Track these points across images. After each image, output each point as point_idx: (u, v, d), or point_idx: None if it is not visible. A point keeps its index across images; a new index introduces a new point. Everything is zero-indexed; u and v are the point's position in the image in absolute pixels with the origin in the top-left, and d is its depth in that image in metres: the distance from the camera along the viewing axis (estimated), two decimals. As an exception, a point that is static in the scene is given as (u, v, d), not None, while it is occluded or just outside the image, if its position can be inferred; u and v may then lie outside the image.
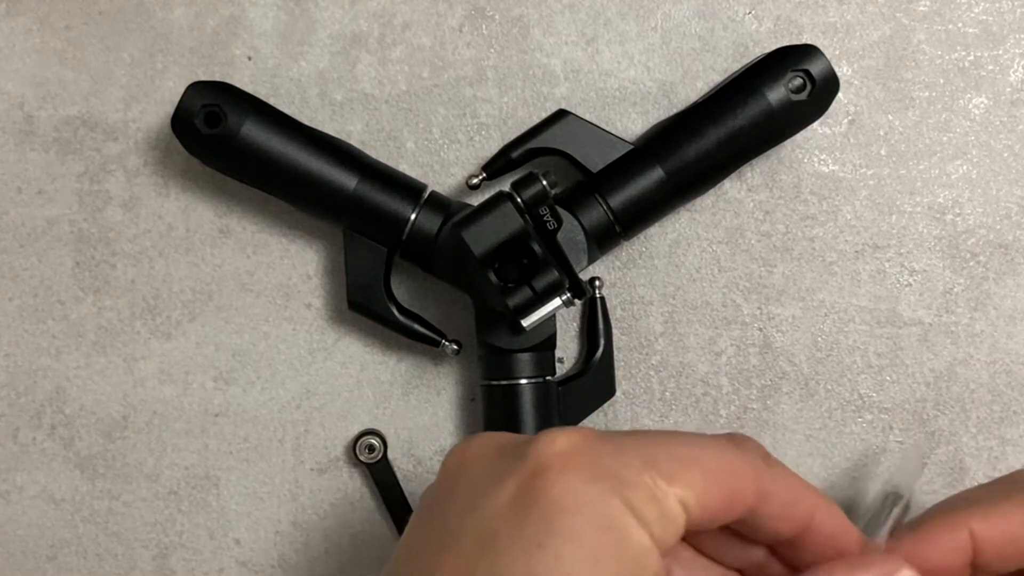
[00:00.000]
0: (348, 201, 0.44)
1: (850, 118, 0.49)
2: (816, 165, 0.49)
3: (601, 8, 0.49)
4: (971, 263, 0.49)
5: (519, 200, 0.41)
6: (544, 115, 0.47)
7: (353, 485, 0.50)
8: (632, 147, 0.45)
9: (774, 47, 0.45)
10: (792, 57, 0.44)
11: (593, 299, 0.48)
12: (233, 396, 0.49)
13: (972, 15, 0.49)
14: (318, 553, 0.50)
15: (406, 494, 0.49)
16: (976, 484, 0.37)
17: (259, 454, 0.49)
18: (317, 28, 0.49)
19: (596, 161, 0.45)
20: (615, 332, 0.49)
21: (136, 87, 0.49)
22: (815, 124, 0.46)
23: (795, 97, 0.44)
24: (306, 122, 0.45)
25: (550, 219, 0.41)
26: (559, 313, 0.42)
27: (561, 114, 0.46)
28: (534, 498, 0.26)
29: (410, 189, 0.45)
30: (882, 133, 0.49)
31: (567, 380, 0.47)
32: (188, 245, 0.49)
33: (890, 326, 0.49)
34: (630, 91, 0.49)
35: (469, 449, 0.30)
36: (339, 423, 0.49)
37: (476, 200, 0.44)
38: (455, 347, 0.47)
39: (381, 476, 0.49)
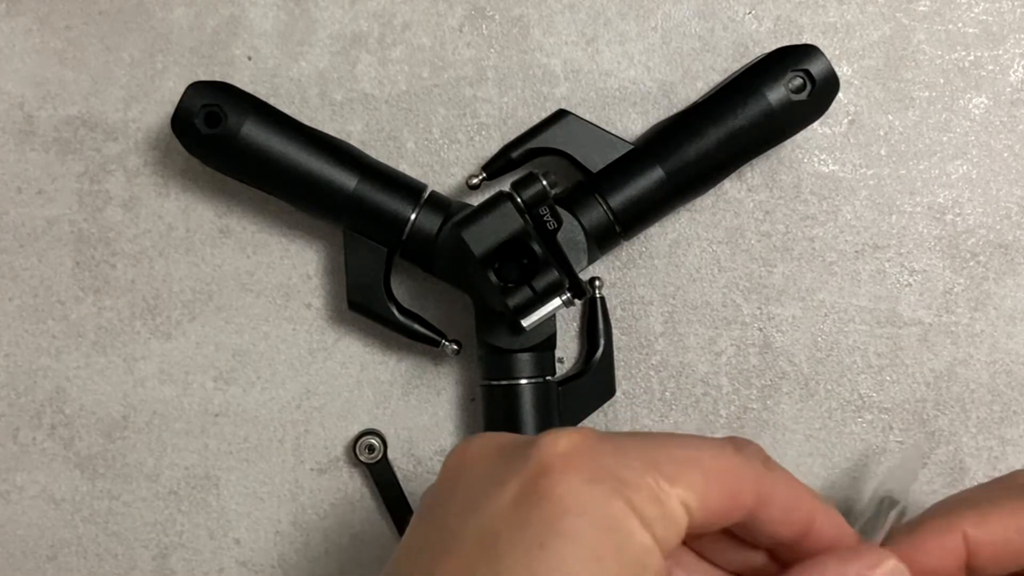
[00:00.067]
0: (348, 201, 0.44)
1: (850, 118, 0.49)
2: (816, 165, 0.49)
3: (601, 8, 0.49)
4: (971, 263, 0.49)
5: (519, 200, 0.41)
6: (544, 115, 0.47)
7: (353, 485, 0.50)
8: (632, 147, 0.45)
9: (774, 47, 0.45)
10: (792, 57, 0.44)
11: (593, 299, 0.48)
12: (233, 396, 0.49)
13: (972, 15, 0.49)
14: (318, 553, 0.50)
15: (406, 494, 0.49)
16: (976, 484, 0.37)
17: (259, 454, 0.49)
18: (317, 28, 0.49)
19: (596, 161, 0.45)
20: (615, 332, 0.49)
21: (136, 87, 0.49)
22: (815, 124, 0.46)
23: (795, 97, 0.44)
24: (306, 122, 0.45)
25: (550, 219, 0.41)
26: (559, 313, 0.42)
27: (561, 114, 0.46)
28: (536, 499, 0.26)
29: (410, 189, 0.45)
30: (882, 133, 0.49)
31: (567, 380, 0.47)
32: (188, 245, 0.49)
33: (890, 326, 0.49)
34: (630, 91, 0.49)
35: (469, 449, 0.30)
36: (339, 423, 0.49)
37: (476, 200, 0.44)
38: (455, 347, 0.47)
39: (381, 476, 0.49)
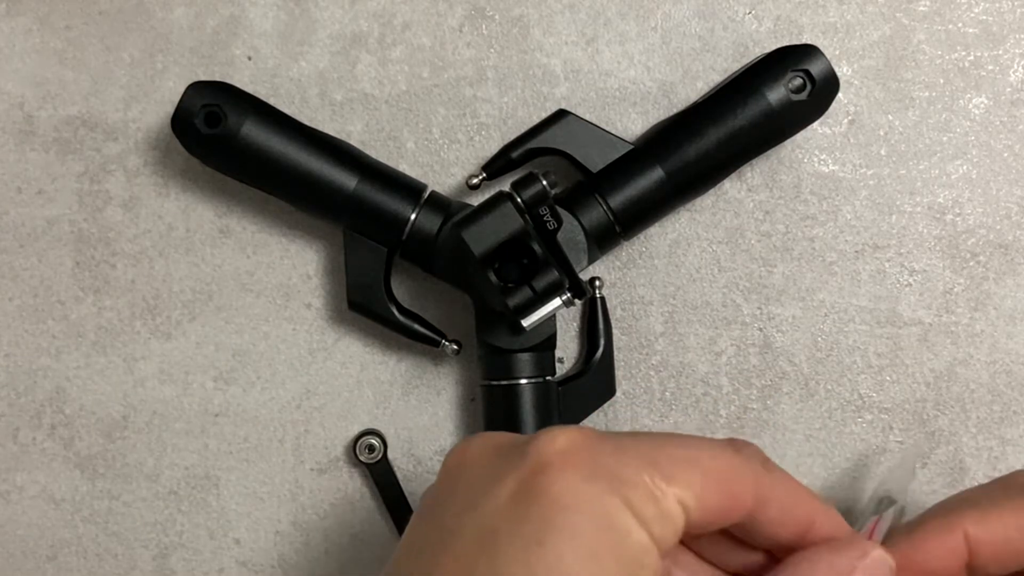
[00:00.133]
0: (348, 201, 0.44)
1: (850, 118, 0.49)
2: (816, 165, 0.49)
3: (601, 8, 0.49)
4: (971, 263, 0.49)
5: (519, 200, 0.41)
6: (544, 115, 0.47)
7: (353, 485, 0.50)
8: (632, 147, 0.45)
9: (774, 47, 0.45)
10: (792, 57, 0.44)
11: (593, 299, 0.48)
12: (233, 396, 0.49)
13: (972, 15, 0.49)
14: (318, 553, 0.50)
15: (406, 494, 0.49)
16: (976, 484, 0.37)
17: (259, 454, 0.49)
18: (317, 28, 0.49)
19: (596, 161, 0.45)
20: (615, 332, 0.49)
21: (136, 87, 0.49)
22: (815, 124, 0.46)
23: (795, 97, 0.44)
24: (306, 122, 0.45)
25: (550, 219, 0.41)
26: (559, 313, 0.42)
27: (561, 114, 0.46)
28: (534, 496, 0.26)
29: (410, 189, 0.45)
30: (882, 133, 0.49)
31: (567, 380, 0.47)
32: (188, 245, 0.49)
33: (890, 326, 0.49)
34: (630, 91, 0.49)
35: (469, 449, 0.30)
36: (339, 423, 0.49)
37: (476, 200, 0.44)
38: (455, 347, 0.47)
39: (381, 476, 0.49)
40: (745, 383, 0.49)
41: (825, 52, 0.44)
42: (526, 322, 0.41)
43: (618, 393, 0.49)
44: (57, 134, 0.49)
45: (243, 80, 0.49)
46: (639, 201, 0.45)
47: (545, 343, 0.45)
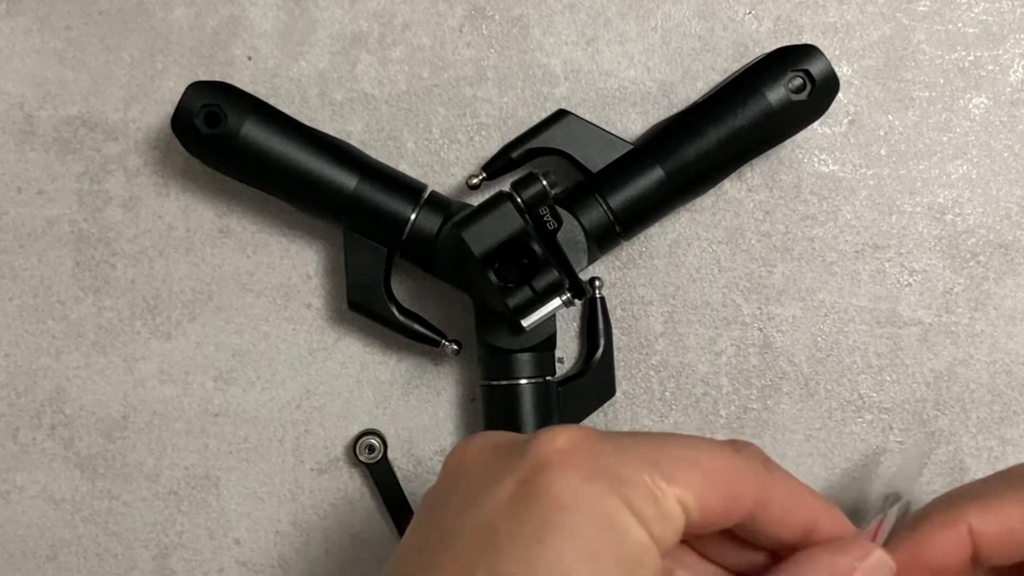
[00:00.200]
0: (348, 201, 0.44)
1: (850, 118, 0.49)
2: (816, 165, 0.49)
3: (601, 8, 0.49)
4: (971, 263, 0.49)
5: (519, 200, 0.41)
6: (544, 115, 0.47)
7: (353, 485, 0.50)
8: (632, 147, 0.45)
9: (774, 47, 0.45)
10: (792, 57, 0.44)
11: (593, 299, 0.48)
12: (233, 396, 0.49)
13: (972, 15, 0.49)
14: (318, 553, 0.50)
15: (406, 494, 0.49)
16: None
17: (259, 454, 0.49)
18: (317, 28, 0.49)
19: (596, 161, 0.45)
20: (615, 332, 0.49)
21: (136, 87, 0.49)
22: (815, 124, 0.46)
23: (795, 97, 0.44)
24: (306, 122, 0.45)
25: (550, 219, 0.41)
26: (559, 313, 0.42)
27: (561, 114, 0.46)
28: (534, 495, 0.26)
29: (410, 189, 0.45)
30: (882, 133, 0.49)
31: (567, 380, 0.47)
32: (188, 245, 0.49)
33: (890, 326, 0.49)
34: (630, 91, 0.49)
35: (469, 449, 0.30)
36: (339, 423, 0.49)
37: (476, 200, 0.44)
38: (455, 347, 0.47)
39: (381, 476, 0.49)
40: (745, 383, 0.49)
41: (825, 52, 0.44)
42: (526, 322, 0.41)
43: (618, 393, 0.49)
44: (57, 134, 0.49)
45: (243, 80, 0.49)
46: (639, 201, 0.45)
47: (545, 343, 0.45)
